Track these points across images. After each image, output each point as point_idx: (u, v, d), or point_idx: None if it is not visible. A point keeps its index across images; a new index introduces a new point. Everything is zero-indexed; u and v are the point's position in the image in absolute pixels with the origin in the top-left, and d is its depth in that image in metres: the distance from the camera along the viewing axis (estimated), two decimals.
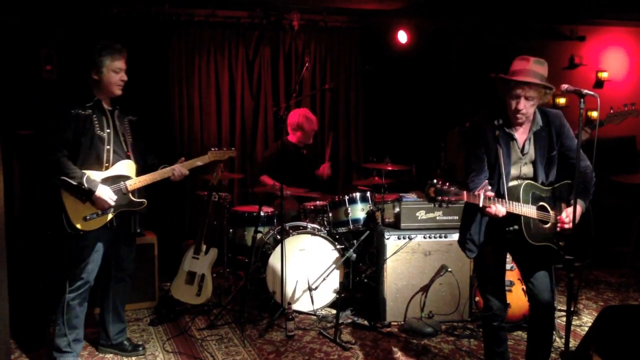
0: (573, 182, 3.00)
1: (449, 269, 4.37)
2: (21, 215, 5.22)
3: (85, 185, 3.42)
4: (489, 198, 2.90)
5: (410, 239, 4.44)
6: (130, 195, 3.60)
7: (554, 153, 3.15)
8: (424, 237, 4.46)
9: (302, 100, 6.16)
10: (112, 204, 3.50)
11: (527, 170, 3.15)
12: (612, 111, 4.59)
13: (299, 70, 6.26)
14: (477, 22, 6.67)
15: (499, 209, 2.92)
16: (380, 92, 6.67)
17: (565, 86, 3.35)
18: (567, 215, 3.03)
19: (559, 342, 4.04)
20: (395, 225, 4.59)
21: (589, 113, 7.03)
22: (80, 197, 3.46)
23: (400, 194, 4.68)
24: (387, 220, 4.88)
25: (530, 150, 3.14)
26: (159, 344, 4.10)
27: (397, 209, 4.66)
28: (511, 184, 3.11)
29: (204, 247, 4.58)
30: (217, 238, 5.14)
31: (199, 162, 3.87)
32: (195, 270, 4.53)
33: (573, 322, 4.42)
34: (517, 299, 4.22)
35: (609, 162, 6.23)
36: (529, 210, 3.02)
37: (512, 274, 4.23)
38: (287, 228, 4.76)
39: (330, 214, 4.94)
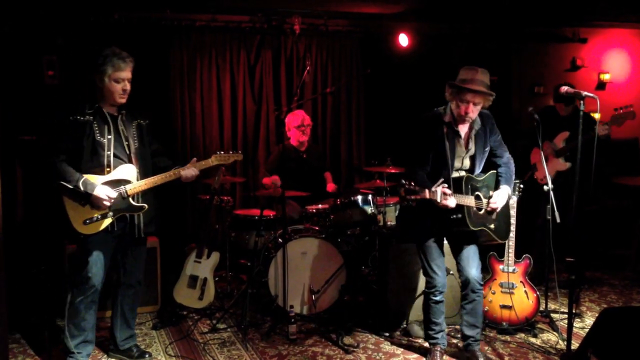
0: (497, 171, 3.72)
1: (451, 272, 4.36)
2: (24, 220, 5.24)
3: (81, 188, 3.41)
4: (444, 194, 3.34)
5: (411, 241, 4.42)
6: (130, 199, 3.59)
7: (487, 148, 3.68)
8: None
9: (304, 104, 6.17)
10: (110, 202, 3.48)
11: (467, 162, 3.67)
12: (615, 113, 4.70)
13: (301, 74, 6.27)
14: (478, 25, 6.67)
15: (451, 202, 3.39)
16: (381, 96, 6.67)
17: (565, 88, 3.38)
18: (494, 199, 3.61)
19: (561, 344, 4.03)
20: (397, 228, 4.59)
21: (592, 115, 7.02)
22: (79, 201, 3.46)
23: None
24: (389, 223, 4.87)
25: (472, 147, 3.64)
26: (161, 348, 4.10)
27: (398, 212, 4.67)
28: (453, 175, 3.58)
29: (206, 251, 4.58)
30: (219, 242, 5.14)
31: (204, 164, 3.84)
32: (197, 274, 4.53)
33: (576, 325, 4.41)
34: (519, 301, 4.21)
35: (611, 163, 6.24)
36: (470, 201, 3.52)
37: (514, 276, 4.22)
38: (289, 231, 4.76)
39: (332, 217, 4.94)
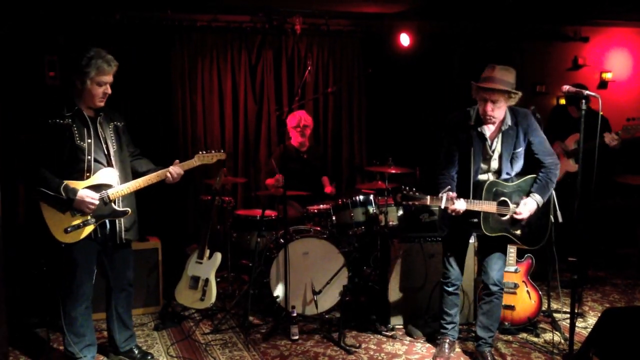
0: (536, 177, 3.58)
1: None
2: (25, 222, 5.22)
3: (63, 194, 3.31)
4: (450, 199, 3.36)
5: (413, 241, 4.42)
6: (112, 204, 3.49)
7: (519, 149, 3.55)
8: (427, 240, 4.44)
9: (305, 104, 6.16)
10: (96, 203, 3.38)
11: (495, 164, 3.60)
12: (627, 124, 4.70)
13: (302, 74, 6.26)
14: (479, 24, 6.65)
15: (459, 207, 3.39)
16: (383, 95, 6.66)
17: (566, 87, 3.38)
18: (520, 209, 3.51)
19: (563, 344, 4.02)
20: (399, 228, 4.58)
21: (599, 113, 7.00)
22: (59, 208, 3.35)
23: None
24: (390, 223, 4.86)
25: (498, 146, 3.56)
26: (163, 349, 4.10)
27: (400, 212, 4.66)
28: (480, 177, 3.57)
29: (207, 252, 4.58)
30: (220, 242, 5.13)
31: (187, 165, 3.74)
32: (199, 275, 4.52)
33: (578, 324, 4.40)
34: (521, 301, 4.20)
35: (614, 162, 6.22)
36: (489, 207, 3.48)
37: (516, 276, 4.21)
38: (291, 231, 4.75)
39: (334, 217, 4.93)
